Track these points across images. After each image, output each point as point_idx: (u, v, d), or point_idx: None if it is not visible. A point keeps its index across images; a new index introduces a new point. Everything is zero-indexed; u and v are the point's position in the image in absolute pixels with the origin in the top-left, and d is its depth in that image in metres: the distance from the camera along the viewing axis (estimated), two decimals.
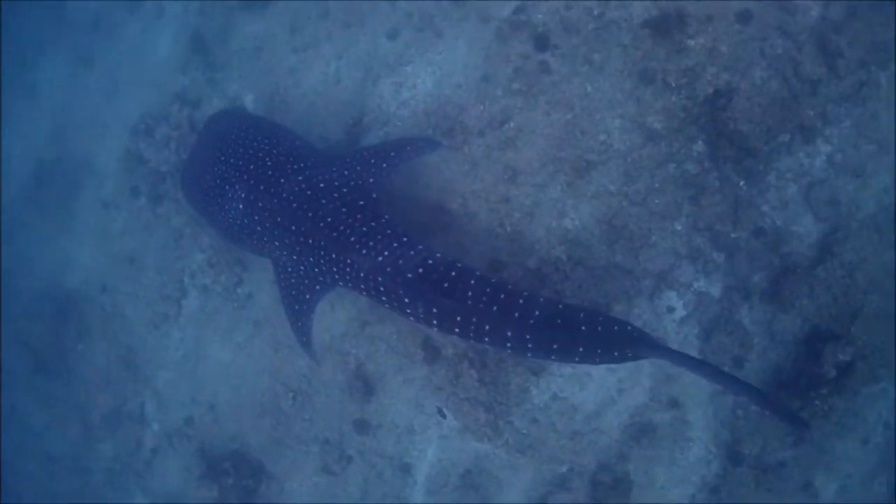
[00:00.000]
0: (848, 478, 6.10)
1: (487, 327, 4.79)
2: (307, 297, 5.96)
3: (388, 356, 6.88)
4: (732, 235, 6.10)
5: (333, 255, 5.39)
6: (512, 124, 6.51)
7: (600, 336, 4.59)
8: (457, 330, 4.94)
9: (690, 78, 6.14)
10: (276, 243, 5.85)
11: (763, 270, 6.10)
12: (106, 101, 9.88)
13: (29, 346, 9.59)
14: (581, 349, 4.66)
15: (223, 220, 6.11)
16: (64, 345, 9.31)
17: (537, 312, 4.68)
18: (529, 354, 4.86)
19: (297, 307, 6.05)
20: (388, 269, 5.08)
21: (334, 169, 5.91)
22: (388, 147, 6.23)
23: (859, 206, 6.00)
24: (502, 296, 4.77)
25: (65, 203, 9.83)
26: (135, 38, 9.77)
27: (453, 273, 4.93)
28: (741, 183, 6.09)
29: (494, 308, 4.73)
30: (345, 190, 5.69)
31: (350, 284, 5.47)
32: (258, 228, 5.88)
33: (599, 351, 4.64)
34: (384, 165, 6.02)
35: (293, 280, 5.99)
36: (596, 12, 6.42)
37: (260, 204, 5.80)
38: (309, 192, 5.68)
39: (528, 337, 4.71)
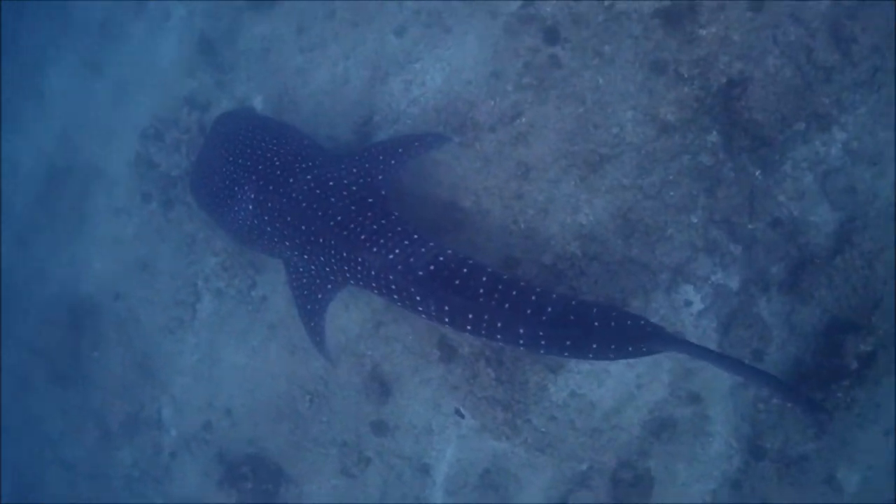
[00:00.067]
0: (870, 469, 6.02)
1: (499, 324, 4.75)
2: (319, 296, 5.94)
3: (404, 357, 6.85)
4: (749, 227, 6.03)
5: (344, 254, 5.36)
6: (523, 119, 6.46)
7: (614, 332, 4.55)
8: (468, 327, 4.90)
9: (703, 68, 6.08)
10: (287, 243, 5.83)
11: (781, 262, 6.03)
12: (114, 105, 9.88)
13: (44, 354, 9.62)
14: (594, 345, 4.63)
15: (233, 221, 6.09)
16: (79, 352, 9.33)
17: (549, 309, 4.63)
18: (542, 351, 4.82)
19: (309, 307, 6.04)
20: (400, 267, 5.04)
21: (343, 167, 5.88)
22: (395, 143, 6.20)
23: (877, 194, 5.90)
24: (514, 293, 4.72)
25: (76, 210, 9.84)
26: (141, 41, 9.76)
27: (465, 270, 4.89)
28: (757, 173, 6.02)
29: (506, 305, 4.69)
30: (354, 188, 5.66)
31: (361, 283, 5.45)
32: (268, 229, 5.86)
33: (613, 347, 4.60)
34: (392, 162, 5.99)
35: (305, 280, 5.97)
36: (605, 3, 6.35)
37: (269, 204, 5.78)
38: (318, 191, 5.65)
39: (540, 334, 4.67)
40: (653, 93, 6.18)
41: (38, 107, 11.02)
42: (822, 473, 6.02)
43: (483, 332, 4.87)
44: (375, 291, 5.39)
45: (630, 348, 4.58)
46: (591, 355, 4.72)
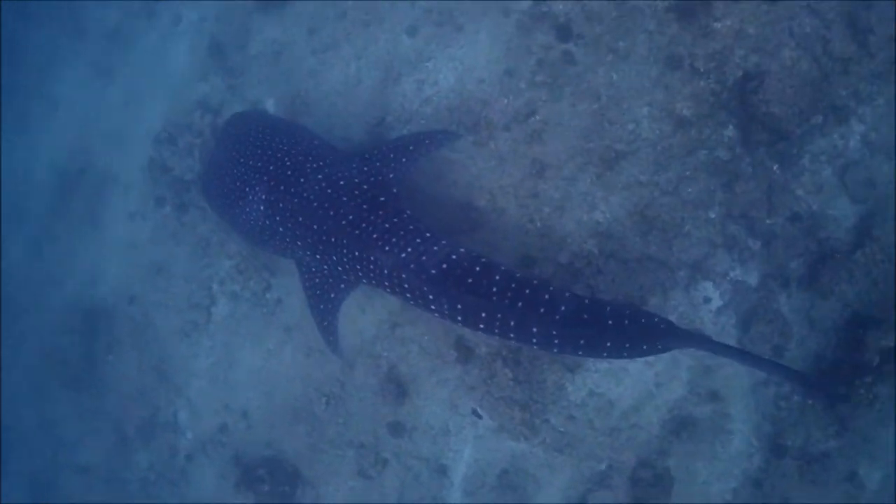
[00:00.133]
0: (892, 466, 5.96)
1: (512, 323, 4.73)
2: (332, 296, 5.94)
3: (421, 357, 6.82)
4: (768, 222, 5.98)
5: (356, 253, 5.34)
6: (537, 117, 6.43)
7: (628, 330, 4.54)
8: (481, 326, 4.89)
9: (718, 62, 6.04)
10: (299, 243, 5.82)
11: (800, 257, 5.98)
12: (127, 110, 9.91)
13: (59, 359, 9.63)
14: (609, 344, 4.63)
15: (245, 222, 6.08)
16: (95, 356, 9.34)
17: (563, 308, 4.61)
18: (556, 350, 4.82)
19: (322, 307, 6.04)
20: (412, 266, 5.02)
21: (353, 166, 5.86)
22: (406, 141, 6.19)
23: None
24: (527, 291, 4.69)
25: (90, 214, 9.87)
26: (153, 46, 9.79)
27: (478, 268, 4.86)
28: (775, 167, 5.97)
29: (519, 304, 4.66)
30: (365, 186, 5.63)
31: (374, 282, 5.44)
32: (280, 229, 5.85)
33: (628, 345, 4.61)
34: (403, 160, 5.97)
35: (317, 280, 5.97)
36: None
37: (281, 204, 5.76)
38: (329, 191, 5.63)
39: (553, 333, 4.66)
40: (668, 88, 6.14)
41: (50, 113, 11.08)
42: (843, 471, 5.97)
43: (496, 330, 4.86)
44: (388, 290, 5.37)
45: (645, 346, 4.59)
46: (605, 354, 4.72)
